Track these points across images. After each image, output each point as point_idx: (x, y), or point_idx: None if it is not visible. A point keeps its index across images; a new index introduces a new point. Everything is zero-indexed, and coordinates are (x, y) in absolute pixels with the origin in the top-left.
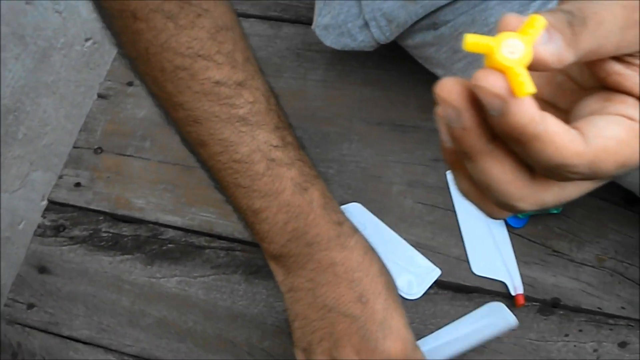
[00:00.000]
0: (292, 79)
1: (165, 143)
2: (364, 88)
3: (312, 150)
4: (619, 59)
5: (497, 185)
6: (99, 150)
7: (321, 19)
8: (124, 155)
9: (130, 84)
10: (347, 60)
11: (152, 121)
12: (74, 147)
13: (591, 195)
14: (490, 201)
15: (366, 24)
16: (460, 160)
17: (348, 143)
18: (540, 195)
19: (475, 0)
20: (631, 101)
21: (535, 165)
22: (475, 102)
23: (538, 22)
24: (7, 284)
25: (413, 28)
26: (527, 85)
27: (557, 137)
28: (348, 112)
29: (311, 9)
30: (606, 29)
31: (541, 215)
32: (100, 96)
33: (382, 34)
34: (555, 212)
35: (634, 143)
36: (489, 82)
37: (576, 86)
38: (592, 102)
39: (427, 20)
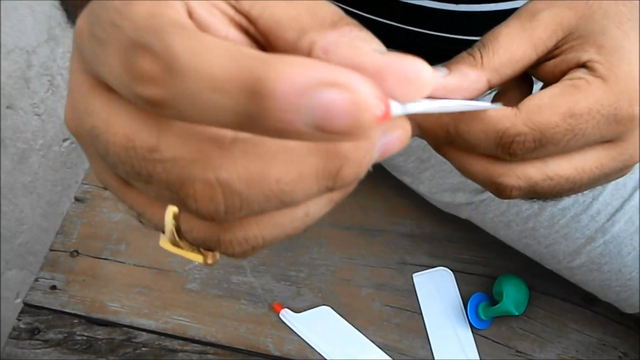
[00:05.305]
0: None
1: (140, 246)
2: None
3: (283, 254)
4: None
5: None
6: (75, 254)
7: None
8: (100, 258)
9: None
10: None
11: (127, 224)
12: (51, 250)
13: (552, 296)
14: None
15: None
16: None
17: (318, 247)
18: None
19: None
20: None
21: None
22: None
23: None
24: None
25: None
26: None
27: (482, 112)
28: None
29: None
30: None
31: (504, 317)
32: (77, 199)
33: None
34: (516, 313)
35: (572, 92)
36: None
37: None
38: None
39: None
